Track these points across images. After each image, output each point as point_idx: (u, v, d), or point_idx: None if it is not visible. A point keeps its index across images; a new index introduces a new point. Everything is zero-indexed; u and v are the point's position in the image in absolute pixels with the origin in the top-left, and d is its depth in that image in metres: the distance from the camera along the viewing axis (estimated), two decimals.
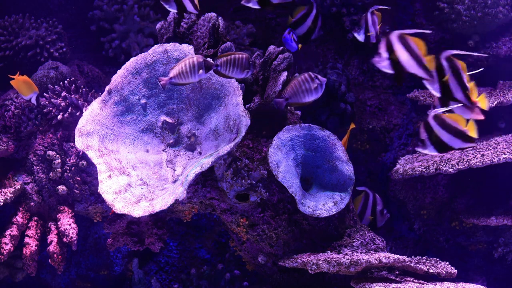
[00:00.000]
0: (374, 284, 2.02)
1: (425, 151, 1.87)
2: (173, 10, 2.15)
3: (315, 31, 2.47)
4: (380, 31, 2.33)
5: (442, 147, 1.86)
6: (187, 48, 2.34)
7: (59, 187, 2.55)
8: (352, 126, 2.67)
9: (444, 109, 1.87)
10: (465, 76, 1.84)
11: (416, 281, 2.11)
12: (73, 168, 2.56)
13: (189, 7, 2.13)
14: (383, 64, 1.79)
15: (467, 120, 1.85)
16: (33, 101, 2.44)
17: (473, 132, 1.84)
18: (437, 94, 1.87)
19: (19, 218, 2.55)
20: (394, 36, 1.77)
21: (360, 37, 2.30)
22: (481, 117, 1.90)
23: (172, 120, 2.39)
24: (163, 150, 2.38)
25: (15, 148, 2.62)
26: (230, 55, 2.04)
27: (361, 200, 2.59)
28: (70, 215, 2.55)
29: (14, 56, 2.87)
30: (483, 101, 1.87)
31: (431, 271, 2.09)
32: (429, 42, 3.05)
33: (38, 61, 2.87)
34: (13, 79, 2.42)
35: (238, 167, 2.23)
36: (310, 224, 2.34)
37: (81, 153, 2.56)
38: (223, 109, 2.27)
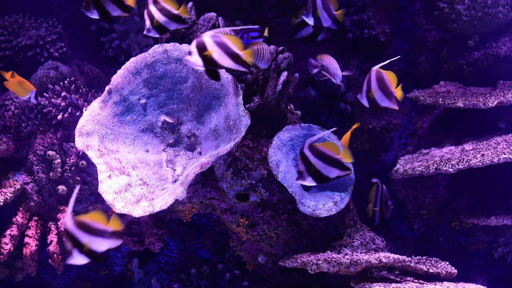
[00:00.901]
0: (374, 284, 2.03)
1: (305, 183, 1.87)
2: (95, 17, 2.02)
3: (322, 33, 2.44)
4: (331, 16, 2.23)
5: (320, 177, 1.86)
6: (187, 48, 2.34)
7: (59, 187, 2.55)
8: (356, 125, 2.64)
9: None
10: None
11: (416, 281, 2.11)
12: (73, 168, 2.56)
13: (116, 11, 2.01)
14: (192, 60, 1.81)
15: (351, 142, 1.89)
16: (32, 100, 2.42)
17: (348, 159, 1.85)
18: None
19: (19, 218, 2.55)
20: (207, 36, 1.79)
21: (309, 20, 2.24)
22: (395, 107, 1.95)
23: (172, 120, 2.39)
24: (163, 150, 2.38)
25: (15, 148, 2.62)
26: (257, 45, 2.06)
27: (374, 191, 2.55)
28: None
29: (14, 56, 2.87)
30: (399, 92, 1.92)
31: (431, 271, 2.09)
32: (428, 42, 3.05)
33: (38, 61, 2.87)
34: (6, 80, 2.38)
35: (238, 167, 2.23)
36: (310, 224, 2.34)
37: (81, 153, 2.56)
38: (223, 109, 2.27)
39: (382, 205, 2.50)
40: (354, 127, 2.63)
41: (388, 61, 2.00)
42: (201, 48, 1.77)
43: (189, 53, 1.79)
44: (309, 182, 1.88)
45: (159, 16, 2.02)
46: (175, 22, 2.06)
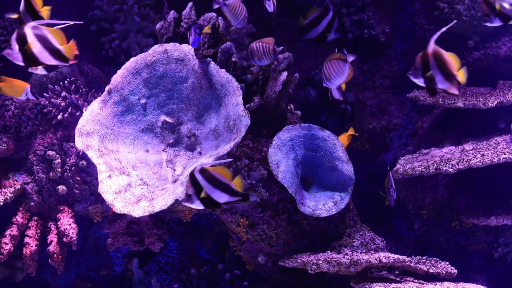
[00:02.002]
0: (374, 284, 2.03)
1: (193, 206, 1.84)
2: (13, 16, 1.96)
3: (331, 34, 2.42)
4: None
5: (210, 203, 1.83)
6: (187, 48, 2.34)
7: (59, 187, 2.55)
8: (352, 131, 2.62)
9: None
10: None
11: (416, 281, 2.11)
12: (73, 168, 2.56)
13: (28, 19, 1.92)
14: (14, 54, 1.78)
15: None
16: (30, 96, 2.35)
17: (239, 186, 1.84)
18: None
19: (19, 218, 2.55)
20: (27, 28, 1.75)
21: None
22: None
23: (172, 120, 2.39)
24: (163, 150, 2.38)
25: (15, 148, 2.62)
26: (259, 42, 2.06)
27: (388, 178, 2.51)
28: (70, 215, 2.55)
29: None
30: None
31: (431, 271, 2.09)
32: None
33: None
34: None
35: (238, 167, 2.23)
36: (310, 224, 2.34)
37: (81, 153, 2.56)
38: (223, 109, 2.27)
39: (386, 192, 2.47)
40: (349, 133, 2.60)
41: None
42: (21, 41, 1.71)
43: (10, 46, 1.73)
44: (197, 205, 1.83)
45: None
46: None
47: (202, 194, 1.79)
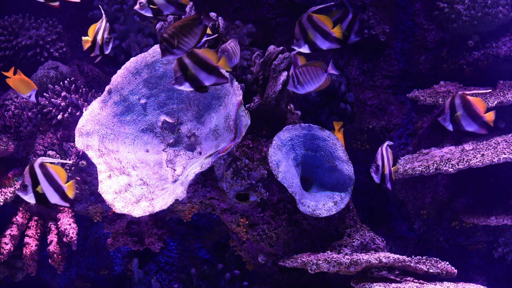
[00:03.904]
0: (374, 284, 2.03)
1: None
2: None
3: (351, 36, 2.42)
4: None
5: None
6: None
7: None
8: (338, 126, 2.57)
9: None
10: None
11: (416, 281, 2.11)
12: (73, 168, 2.56)
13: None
14: None
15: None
16: (32, 98, 2.40)
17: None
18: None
19: (19, 218, 2.55)
20: None
21: (304, 48, 2.19)
22: None
23: (172, 120, 2.39)
24: (163, 150, 2.38)
25: (15, 148, 2.62)
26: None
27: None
28: (70, 215, 2.55)
29: (14, 56, 2.87)
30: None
31: (431, 271, 2.10)
32: (428, 42, 3.05)
33: (38, 61, 2.87)
34: (8, 77, 2.38)
35: (238, 167, 2.23)
36: (310, 224, 2.34)
37: (81, 153, 2.56)
38: (223, 109, 2.27)
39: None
40: (338, 128, 2.54)
41: None
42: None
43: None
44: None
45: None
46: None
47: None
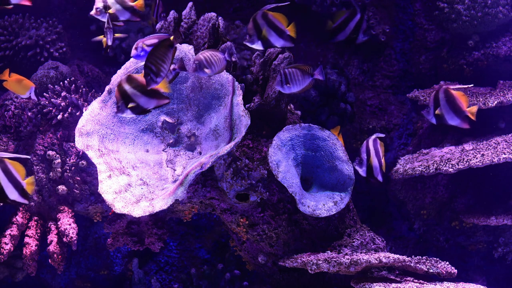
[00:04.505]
0: (374, 284, 2.03)
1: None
2: None
3: (360, 35, 2.43)
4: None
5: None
6: (187, 48, 2.34)
7: (59, 187, 2.55)
8: (337, 131, 2.57)
9: None
10: None
11: (416, 281, 2.11)
12: (73, 168, 2.56)
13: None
14: None
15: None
16: (33, 97, 2.40)
17: (29, 188, 1.90)
18: None
19: (19, 218, 2.55)
20: None
21: (257, 45, 2.21)
22: None
23: (172, 120, 2.39)
24: (163, 150, 2.38)
25: (15, 148, 2.62)
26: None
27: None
28: (70, 215, 2.55)
29: (14, 56, 2.87)
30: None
31: (431, 271, 2.10)
32: (428, 42, 3.05)
33: (38, 61, 2.87)
34: (4, 80, 2.37)
35: (238, 167, 2.23)
36: (310, 224, 2.34)
37: (81, 153, 2.56)
38: (223, 109, 2.27)
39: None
40: (336, 132, 2.54)
41: None
42: None
43: None
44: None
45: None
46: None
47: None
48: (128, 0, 2.15)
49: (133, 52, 2.11)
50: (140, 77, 1.90)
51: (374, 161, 2.11)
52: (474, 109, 2.05)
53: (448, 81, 2.94)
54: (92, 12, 2.10)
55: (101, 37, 2.25)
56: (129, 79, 1.91)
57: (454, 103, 2.05)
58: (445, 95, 2.05)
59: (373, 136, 2.14)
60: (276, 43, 2.11)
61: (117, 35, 2.32)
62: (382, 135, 2.18)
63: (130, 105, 1.91)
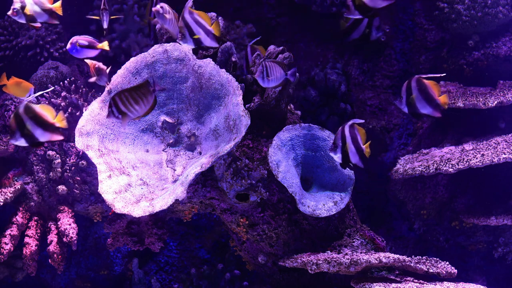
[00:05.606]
0: (374, 284, 2.03)
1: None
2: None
3: (373, 32, 2.43)
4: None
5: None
6: (187, 48, 2.34)
7: (59, 187, 2.55)
8: None
9: None
10: None
11: (416, 281, 2.11)
12: (73, 168, 2.56)
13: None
14: None
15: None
16: (33, 99, 2.40)
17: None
18: None
19: (19, 218, 2.55)
20: None
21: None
22: None
23: (172, 120, 2.39)
24: (163, 150, 2.38)
25: (15, 148, 2.62)
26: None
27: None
28: (70, 215, 2.55)
29: (14, 56, 2.87)
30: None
31: (431, 271, 2.10)
32: (428, 42, 3.05)
33: (38, 61, 2.87)
34: (4, 84, 2.36)
35: (238, 167, 2.23)
36: (310, 224, 2.34)
37: (81, 153, 2.56)
38: (223, 109, 2.27)
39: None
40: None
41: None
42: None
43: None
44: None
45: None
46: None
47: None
48: (47, 2, 2.15)
49: (68, 46, 2.21)
50: (39, 108, 1.94)
51: (350, 146, 2.09)
52: (445, 98, 2.05)
53: (448, 81, 2.94)
54: (9, 13, 2.11)
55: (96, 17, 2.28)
56: (27, 108, 1.92)
57: (426, 91, 2.05)
58: (417, 84, 2.06)
59: (349, 122, 2.10)
60: (205, 43, 2.14)
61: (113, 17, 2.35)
62: (361, 121, 2.12)
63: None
